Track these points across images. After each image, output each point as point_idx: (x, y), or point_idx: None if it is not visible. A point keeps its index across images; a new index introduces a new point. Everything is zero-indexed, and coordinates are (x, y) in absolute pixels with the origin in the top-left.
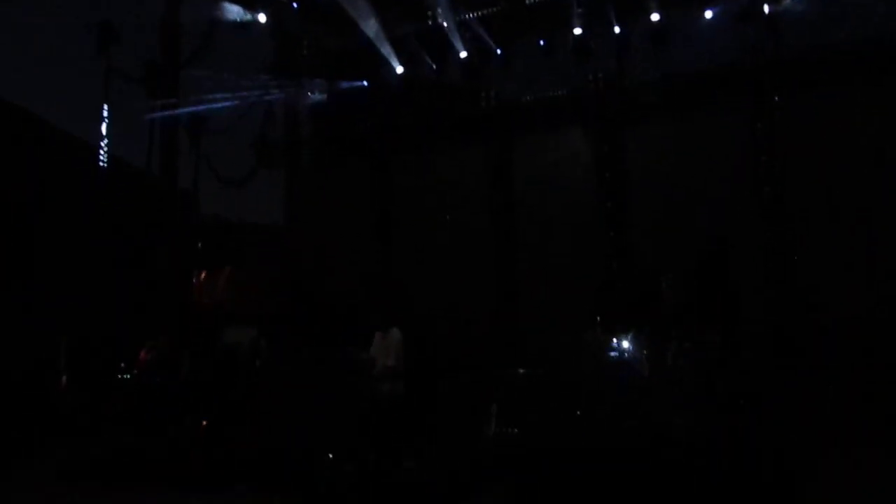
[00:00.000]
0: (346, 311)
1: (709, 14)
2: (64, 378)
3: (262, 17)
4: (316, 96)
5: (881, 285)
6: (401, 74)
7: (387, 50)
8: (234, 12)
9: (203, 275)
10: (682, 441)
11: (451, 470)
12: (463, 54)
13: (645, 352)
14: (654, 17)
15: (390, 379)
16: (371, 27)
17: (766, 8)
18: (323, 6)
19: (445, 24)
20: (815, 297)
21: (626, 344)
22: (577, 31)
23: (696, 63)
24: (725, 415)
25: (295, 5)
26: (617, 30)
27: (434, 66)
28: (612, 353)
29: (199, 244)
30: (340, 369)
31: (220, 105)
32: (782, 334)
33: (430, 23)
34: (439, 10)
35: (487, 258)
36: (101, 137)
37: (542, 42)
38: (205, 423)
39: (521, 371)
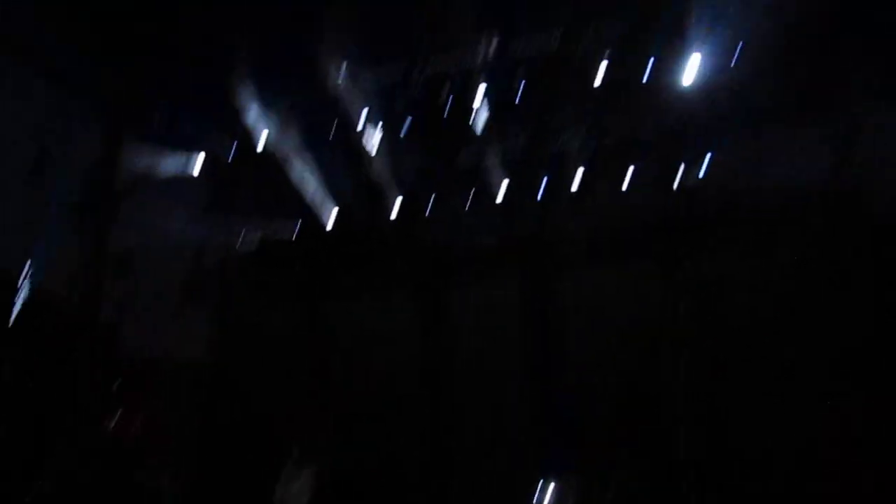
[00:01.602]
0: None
1: (627, 178)
2: None
3: (200, 157)
4: (249, 237)
5: (793, 430)
6: (336, 220)
7: (324, 195)
8: (173, 160)
9: (119, 416)
10: None
11: None
12: (397, 205)
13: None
14: (576, 181)
15: None
16: (309, 173)
17: (675, 181)
18: (263, 153)
19: (381, 178)
20: (734, 439)
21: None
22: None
23: (619, 221)
24: None
25: (234, 144)
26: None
27: (369, 214)
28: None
29: (116, 383)
30: None
31: (151, 239)
32: (703, 470)
33: (366, 173)
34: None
35: (415, 407)
36: (24, 265)
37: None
38: None
39: None
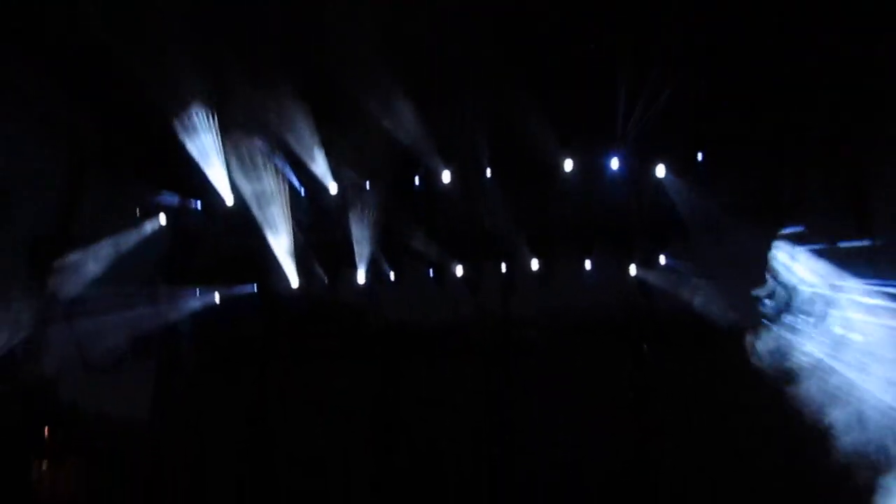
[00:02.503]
0: None
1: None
2: None
3: (162, 219)
4: (203, 298)
5: None
6: (295, 286)
7: (285, 259)
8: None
9: (45, 465)
10: None
11: None
12: (361, 279)
13: None
14: (535, 265)
15: None
16: (277, 236)
17: (632, 270)
18: (228, 211)
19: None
20: None
21: None
22: (460, 271)
23: (578, 309)
24: None
25: (199, 206)
26: (503, 269)
27: (327, 281)
28: None
29: (45, 431)
30: None
31: (100, 292)
32: None
33: (331, 235)
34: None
35: (366, 481)
36: None
37: (431, 273)
38: None
39: None
